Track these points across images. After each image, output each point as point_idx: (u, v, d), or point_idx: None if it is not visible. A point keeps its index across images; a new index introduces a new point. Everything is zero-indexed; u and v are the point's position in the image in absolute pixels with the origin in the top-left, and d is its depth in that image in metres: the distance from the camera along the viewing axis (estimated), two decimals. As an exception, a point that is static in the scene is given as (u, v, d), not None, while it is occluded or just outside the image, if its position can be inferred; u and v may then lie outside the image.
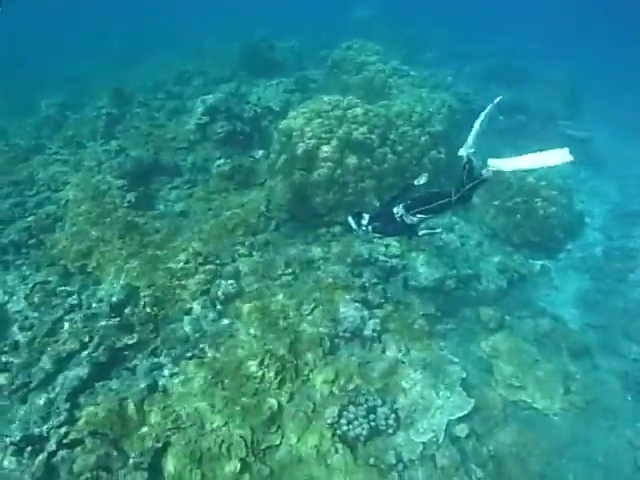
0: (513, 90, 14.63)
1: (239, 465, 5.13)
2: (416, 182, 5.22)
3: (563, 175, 10.18)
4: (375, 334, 6.36)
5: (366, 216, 5.31)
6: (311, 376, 5.92)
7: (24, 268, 7.34)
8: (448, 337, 6.78)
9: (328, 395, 5.70)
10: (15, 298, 6.76)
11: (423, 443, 5.29)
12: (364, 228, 5.32)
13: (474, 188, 4.86)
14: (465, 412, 5.55)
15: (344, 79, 12.56)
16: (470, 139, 4.79)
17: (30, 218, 8.18)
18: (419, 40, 17.76)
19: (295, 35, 17.13)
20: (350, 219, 5.44)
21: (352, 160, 8.23)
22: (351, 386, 5.77)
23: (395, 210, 5.11)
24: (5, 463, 4.96)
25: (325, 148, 8.37)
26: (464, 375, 6.00)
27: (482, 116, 4.72)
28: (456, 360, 6.24)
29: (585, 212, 9.82)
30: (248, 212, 8.60)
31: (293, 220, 8.51)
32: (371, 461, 5.17)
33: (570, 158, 4.54)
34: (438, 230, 5.24)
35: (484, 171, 4.82)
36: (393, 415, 5.47)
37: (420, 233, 5.13)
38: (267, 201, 8.81)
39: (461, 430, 5.45)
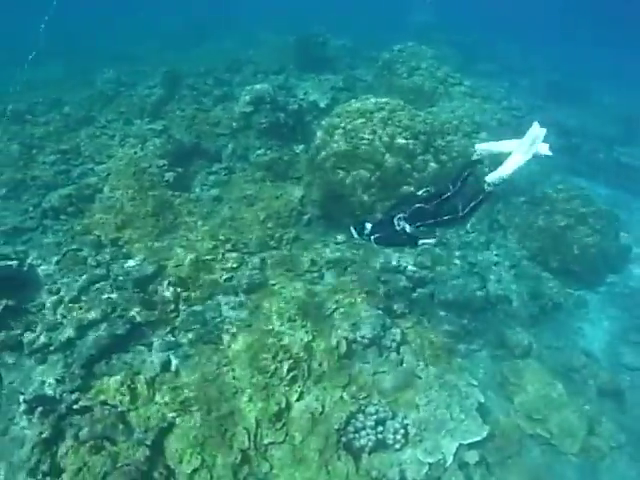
0: (570, 110, 14.01)
1: (240, 456, 5.08)
2: (419, 193, 5.17)
3: (613, 204, 9.65)
4: (394, 344, 6.18)
5: (368, 225, 5.19)
6: (323, 378, 5.81)
7: (60, 234, 7.56)
8: (470, 358, 6.51)
9: (338, 400, 5.58)
10: (47, 262, 6.97)
11: (429, 464, 5.08)
12: (366, 238, 5.21)
13: (477, 201, 4.78)
14: (478, 438, 5.29)
15: (394, 81, 12.36)
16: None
17: (72, 187, 8.42)
18: (475, 49, 17.29)
19: (349, 34, 17.00)
20: (352, 229, 5.35)
21: (392, 164, 8.04)
22: (363, 394, 5.63)
23: (397, 221, 4.97)
24: (17, 419, 5.11)
25: (366, 149, 8.22)
26: (482, 399, 5.73)
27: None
28: (475, 383, 5.97)
29: (632, 245, 9.24)
30: (281, 205, 8.57)
31: (326, 218, 8.42)
32: (373, 474, 5.01)
33: (549, 153, 4.49)
34: (432, 241, 5.08)
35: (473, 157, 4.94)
36: (402, 430, 5.29)
37: (419, 243, 5.01)
38: (302, 196, 8.75)
39: (471, 456, 5.20)
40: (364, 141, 8.34)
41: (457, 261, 7.91)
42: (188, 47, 17.40)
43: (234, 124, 10.43)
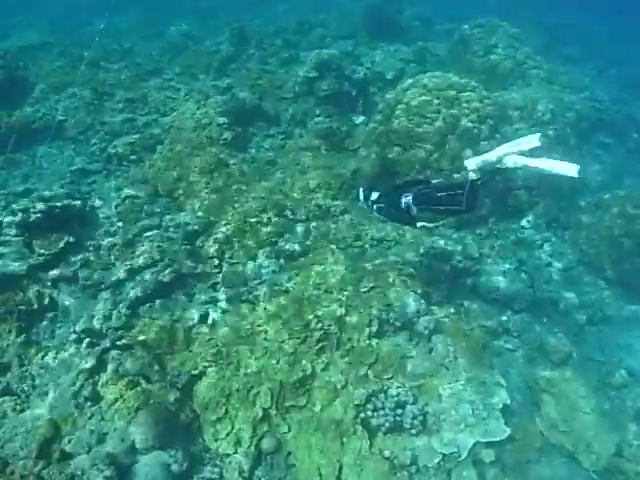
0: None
1: (261, 413, 5.32)
2: (434, 182, 5.33)
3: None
4: (427, 331, 6.11)
5: (375, 194, 5.56)
6: (351, 353, 5.89)
7: (121, 180, 7.97)
8: (503, 357, 6.34)
9: (362, 377, 5.65)
10: (107, 205, 7.39)
11: (443, 454, 5.09)
12: (369, 204, 5.61)
13: (470, 192, 4.75)
14: (497, 439, 5.21)
15: (467, 59, 11.68)
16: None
17: (136, 135, 8.78)
18: (563, 30, 15.91)
19: (428, 2, 16.14)
20: (360, 190, 5.79)
21: (453, 147, 7.74)
22: (387, 375, 5.67)
23: (403, 199, 5.18)
24: (67, 346, 5.60)
25: (427, 128, 7.94)
26: (508, 401, 5.60)
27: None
28: (504, 383, 5.83)
29: None
30: (333, 176, 8.51)
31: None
32: (386, 453, 5.10)
33: (537, 144, 4.44)
34: (431, 225, 5.24)
35: (468, 173, 4.86)
36: (421, 417, 5.30)
37: (418, 225, 5.21)
38: (355, 169, 8.65)
39: (487, 455, 5.14)
40: (426, 119, 8.05)
41: (507, 256, 7.61)
42: (259, 4, 17.19)
43: (297, 88, 10.35)
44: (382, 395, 5.42)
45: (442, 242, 7.41)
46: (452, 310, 6.64)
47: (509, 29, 11.82)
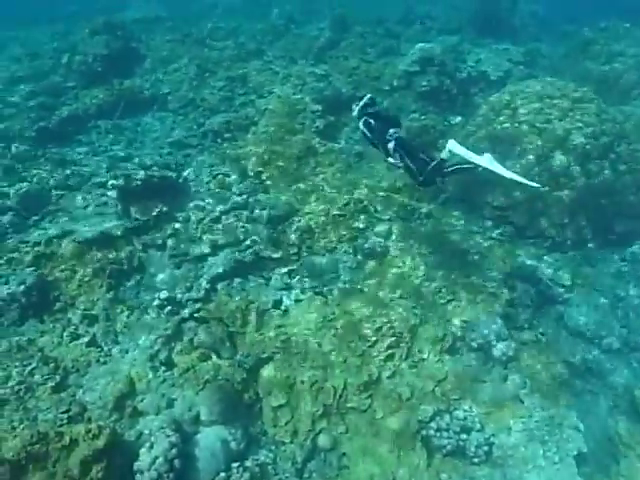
0: None
1: (322, 410, 5.31)
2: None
3: None
4: (504, 357, 5.75)
5: (370, 110, 5.74)
6: (420, 366, 5.70)
7: (214, 156, 8.23)
8: (584, 399, 5.82)
9: (429, 392, 5.45)
10: (199, 179, 7.67)
11: (506, 491, 4.80)
12: (361, 114, 5.74)
13: (435, 169, 5.04)
14: (568, 487, 4.82)
15: (585, 65, 10.71)
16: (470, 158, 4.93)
17: (232, 114, 9.00)
18: None
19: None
20: (362, 98, 5.89)
21: (559, 162, 7.13)
22: (455, 396, 5.42)
23: (391, 132, 5.43)
24: (149, 311, 5.91)
25: (532, 138, 7.37)
26: (584, 449, 5.14)
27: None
28: (581, 427, 5.35)
29: None
30: (421, 177, 8.19)
31: (465, 202, 7.89)
32: (443, 477, 4.90)
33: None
34: (400, 165, 5.38)
35: (443, 152, 5.06)
36: (486, 447, 5.01)
37: (390, 160, 5.44)
38: (445, 173, 8.27)
39: (553, 503, 4.79)
40: (533, 129, 7.48)
41: (603, 289, 6.95)
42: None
43: (395, 82, 10.05)
44: (448, 416, 5.19)
45: (532, 263, 6.92)
46: (533, 338, 6.19)
47: (639, 35, 10.66)
